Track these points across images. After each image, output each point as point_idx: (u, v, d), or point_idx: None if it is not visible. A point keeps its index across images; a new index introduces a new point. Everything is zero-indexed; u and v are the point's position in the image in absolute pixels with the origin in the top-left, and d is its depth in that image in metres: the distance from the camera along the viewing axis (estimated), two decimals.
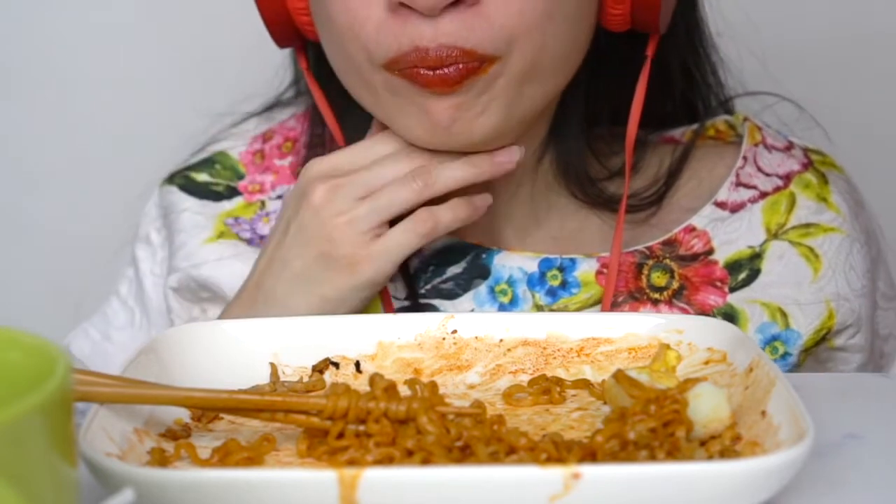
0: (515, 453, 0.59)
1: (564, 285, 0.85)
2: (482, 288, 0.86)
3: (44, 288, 1.32)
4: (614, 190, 0.87)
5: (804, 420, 0.57)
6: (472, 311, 0.85)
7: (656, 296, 0.85)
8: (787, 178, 0.88)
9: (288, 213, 0.81)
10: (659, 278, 0.85)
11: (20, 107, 1.30)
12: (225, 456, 0.61)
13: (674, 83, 0.90)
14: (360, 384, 0.70)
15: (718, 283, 0.85)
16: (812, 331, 0.85)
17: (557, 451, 0.58)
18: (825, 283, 0.85)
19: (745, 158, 0.88)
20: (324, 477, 0.54)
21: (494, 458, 0.59)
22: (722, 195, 0.87)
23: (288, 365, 0.71)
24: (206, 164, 0.94)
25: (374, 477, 0.54)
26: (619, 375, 0.66)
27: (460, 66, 0.74)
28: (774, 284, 0.85)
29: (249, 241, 0.91)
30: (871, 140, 1.23)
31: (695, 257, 0.86)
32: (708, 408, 0.61)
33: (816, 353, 0.86)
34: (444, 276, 0.86)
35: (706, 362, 0.69)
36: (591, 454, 0.58)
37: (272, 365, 0.70)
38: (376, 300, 0.84)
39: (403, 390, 0.64)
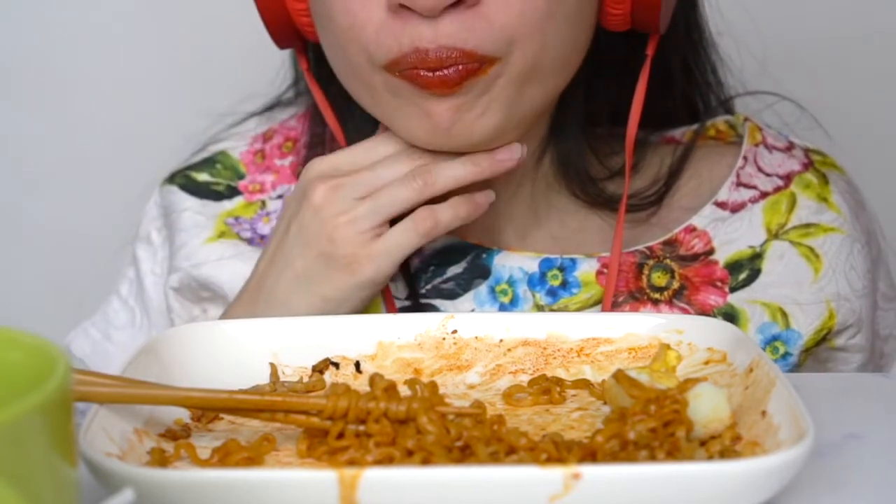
0: (515, 453, 0.59)
1: (565, 285, 0.85)
2: (482, 288, 0.86)
3: (44, 288, 1.33)
4: (615, 190, 0.87)
5: (804, 420, 0.57)
6: (473, 311, 0.85)
7: (657, 296, 0.85)
8: (788, 178, 0.88)
9: (289, 213, 0.81)
10: (659, 278, 0.85)
11: (20, 107, 1.31)
12: (225, 456, 0.61)
13: (674, 82, 0.90)
14: (360, 384, 0.70)
15: (719, 283, 0.85)
16: (812, 331, 0.85)
17: (557, 451, 0.58)
18: (826, 284, 0.85)
19: (745, 158, 0.88)
20: (324, 477, 0.54)
21: (494, 458, 0.59)
22: (722, 195, 0.87)
23: (288, 365, 0.71)
24: (207, 163, 0.94)
25: (374, 477, 0.54)
26: (619, 375, 0.66)
27: (460, 67, 0.74)
28: (775, 284, 0.85)
29: (250, 241, 0.91)
30: (871, 140, 1.23)
31: (695, 257, 0.86)
32: (708, 408, 0.61)
33: (817, 353, 0.86)
34: (445, 276, 0.86)
35: (706, 362, 0.69)
36: (591, 454, 0.58)
37: (272, 365, 0.70)
38: (377, 300, 0.84)
39: (403, 390, 0.64)
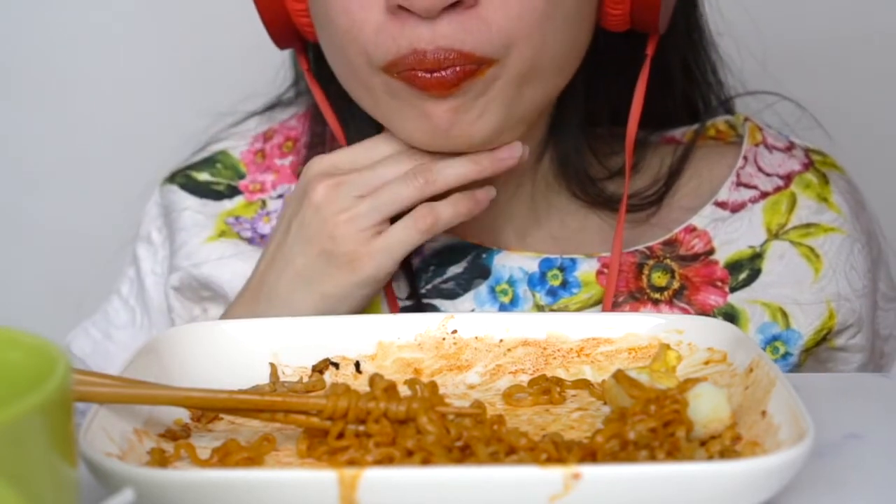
0: (515, 453, 0.59)
1: (565, 285, 0.85)
2: (483, 288, 0.86)
3: (44, 288, 1.33)
4: (614, 190, 0.87)
5: (804, 420, 0.57)
6: (473, 310, 0.85)
7: (657, 296, 0.85)
8: (788, 178, 0.88)
9: (289, 212, 0.81)
10: (659, 278, 0.85)
11: (20, 107, 1.30)
12: (225, 456, 0.61)
13: (674, 82, 0.90)
14: (360, 384, 0.70)
15: (719, 283, 0.85)
16: (813, 331, 0.85)
17: (557, 451, 0.58)
18: (826, 283, 0.85)
19: (745, 158, 0.88)
20: (324, 477, 0.54)
21: (494, 458, 0.58)
22: (722, 195, 0.87)
23: (288, 365, 0.71)
24: (207, 163, 0.94)
25: (374, 477, 0.54)
26: (619, 375, 0.65)
27: (457, 68, 0.74)
28: (775, 284, 0.85)
29: (250, 241, 0.91)
30: (871, 140, 1.23)
31: (695, 257, 0.86)
32: (708, 408, 0.61)
33: (817, 353, 0.86)
34: (445, 276, 0.86)
35: (706, 362, 0.69)
36: (591, 454, 0.58)
37: (272, 365, 0.70)
38: (377, 300, 0.84)
39: (403, 390, 0.64)
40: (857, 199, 0.89)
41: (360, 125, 0.84)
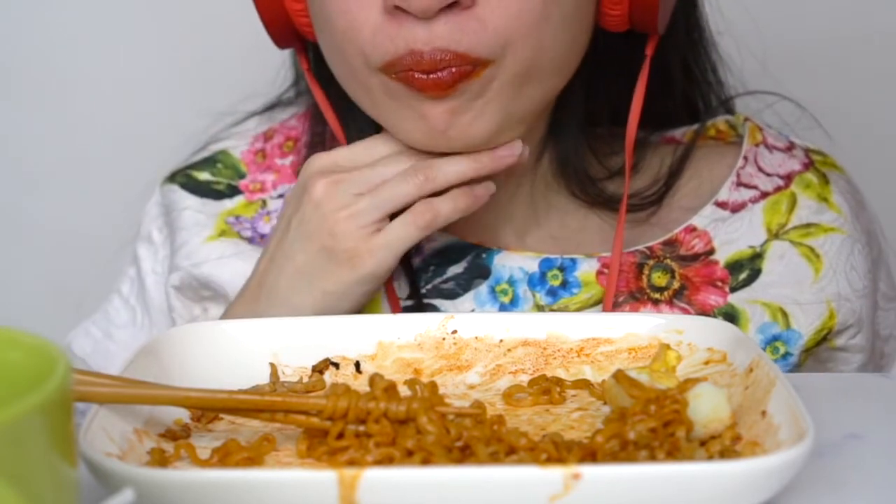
0: (515, 453, 0.59)
1: (565, 285, 0.85)
2: (483, 288, 0.86)
3: (44, 288, 1.33)
4: (614, 190, 0.87)
5: (804, 420, 0.57)
6: (473, 310, 0.85)
7: (657, 296, 0.85)
8: (788, 178, 0.88)
9: (289, 210, 0.82)
10: (659, 278, 0.85)
11: (20, 107, 1.30)
12: (225, 456, 0.61)
13: (674, 82, 0.90)
14: (360, 384, 0.70)
15: (719, 283, 0.85)
16: (813, 331, 0.85)
17: (557, 451, 0.58)
18: (826, 284, 0.85)
19: (745, 158, 0.88)
20: (324, 477, 0.54)
21: (494, 459, 0.58)
22: (723, 195, 0.87)
23: (288, 365, 0.71)
24: (208, 162, 0.94)
25: (374, 477, 0.54)
26: (619, 375, 0.65)
27: (453, 69, 0.74)
28: (775, 284, 0.85)
29: (250, 240, 0.91)
30: (871, 140, 1.23)
31: (695, 257, 0.86)
32: (708, 408, 0.61)
33: (817, 353, 0.86)
34: (445, 276, 0.86)
35: (706, 362, 0.69)
36: (591, 454, 0.58)
37: (272, 365, 0.70)
38: (377, 299, 0.84)
39: (403, 390, 0.64)
40: (857, 199, 0.89)
41: (361, 125, 0.84)
